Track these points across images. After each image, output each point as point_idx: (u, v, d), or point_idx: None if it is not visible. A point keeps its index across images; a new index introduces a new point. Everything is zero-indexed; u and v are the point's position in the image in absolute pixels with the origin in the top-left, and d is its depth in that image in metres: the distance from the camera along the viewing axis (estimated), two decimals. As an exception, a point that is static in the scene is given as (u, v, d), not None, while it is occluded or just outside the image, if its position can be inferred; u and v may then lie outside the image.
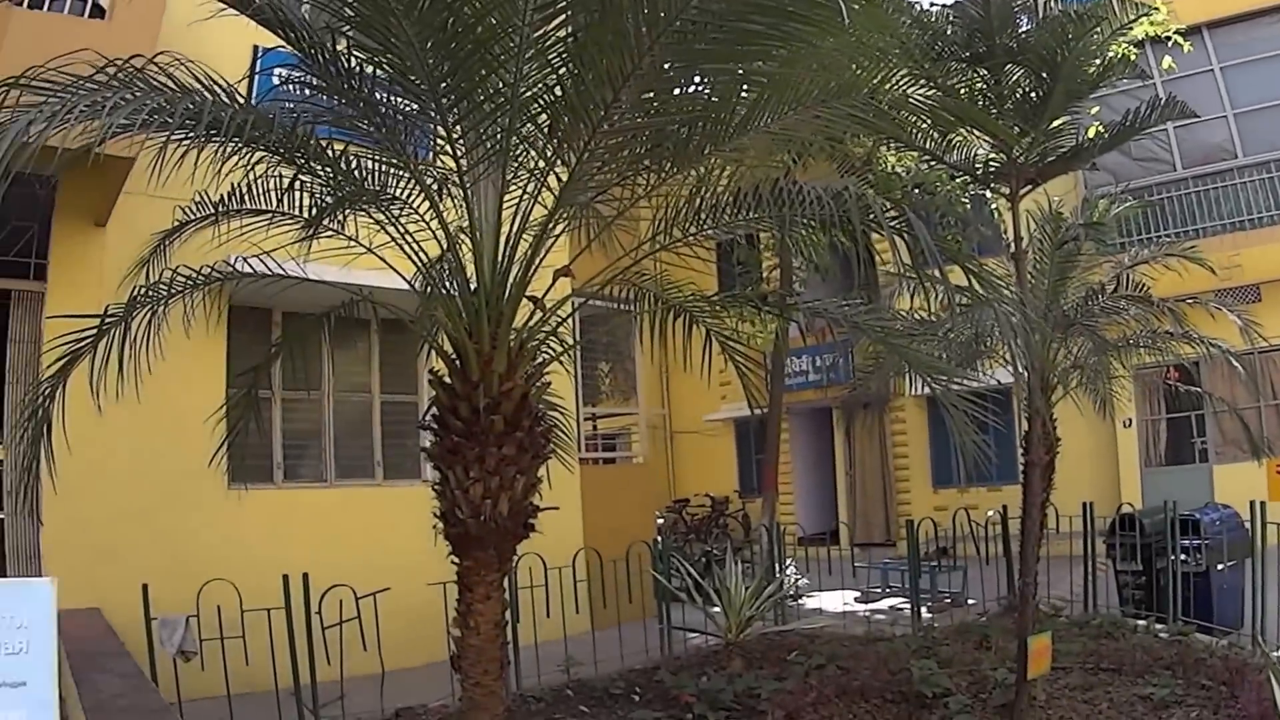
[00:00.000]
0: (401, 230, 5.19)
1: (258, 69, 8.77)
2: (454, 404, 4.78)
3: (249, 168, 5.26)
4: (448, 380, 4.89)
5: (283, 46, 5.18)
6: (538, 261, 4.97)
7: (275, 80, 8.15)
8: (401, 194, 5.26)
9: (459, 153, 4.76)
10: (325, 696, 7.30)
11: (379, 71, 4.87)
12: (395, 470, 10.27)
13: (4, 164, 3.23)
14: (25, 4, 7.58)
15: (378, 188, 5.22)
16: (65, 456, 5.50)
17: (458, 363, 4.89)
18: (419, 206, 5.28)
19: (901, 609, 11.23)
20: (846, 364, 16.37)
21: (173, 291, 5.60)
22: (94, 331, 5.33)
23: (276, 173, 5.53)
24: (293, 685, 7.06)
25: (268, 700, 7.19)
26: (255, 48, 8.87)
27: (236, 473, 9.01)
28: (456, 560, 4.96)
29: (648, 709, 7.44)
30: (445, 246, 5.06)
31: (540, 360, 5.25)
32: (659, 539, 10.51)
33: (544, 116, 4.85)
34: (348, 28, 4.69)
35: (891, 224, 4.84)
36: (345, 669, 7.15)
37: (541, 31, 4.37)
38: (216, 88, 4.45)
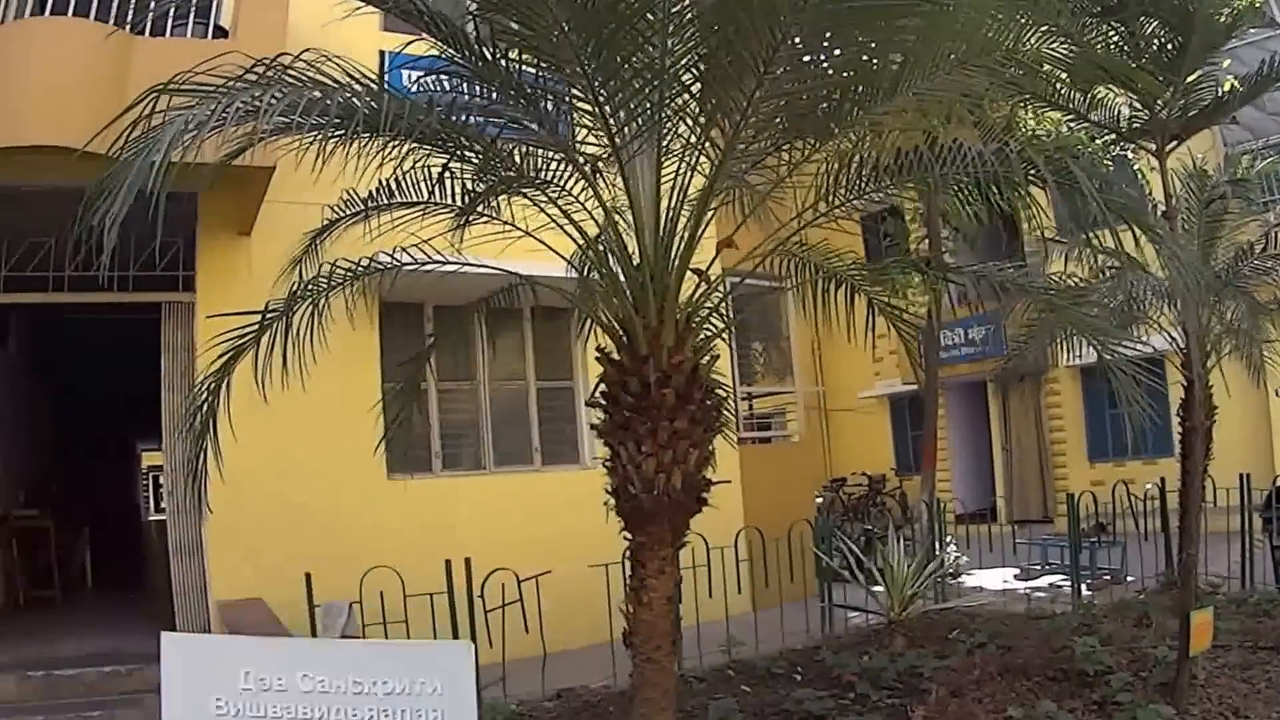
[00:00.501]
0: (559, 209, 5.17)
1: (386, 71, 8.86)
2: (623, 379, 4.75)
3: (398, 161, 5.30)
4: (616, 357, 4.87)
5: (412, 49, 5.19)
6: (699, 234, 4.91)
7: (405, 82, 8.27)
8: (554, 177, 5.25)
9: (613, 129, 4.73)
10: (486, 679, 7.30)
11: (525, 55, 4.88)
12: (553, 456, 10.36)
13: (159, 168, 3.27)
14: (147, 32, 7.73)
15: (531, 172, 5.21)
16: (227, 451, 5.63)
17: (624, 339, 4.86)
18: (572, 188, 5.27)
19: (1061, 586, 10.97)
20: (999, 336, 16.01)
21: (332, 283, 5.68)
22: (256, 328, 5.43)
23: (425, 166, 5.55)
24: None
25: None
26: (381, 53, 8.99)
27: (395, 463, 9.26)
28: (629, 536, 4.94)
29: (810, 688, 7.34)
30: (603, 224, 5.05)
31: (706, 335, 5.19)
32: (819, 517, 10.40)
33: (696, 87, 4.79)
34: (492, 13, 4.68)
35: (1056, 179, 4.65)
36: (507, 652, 7.20)
37: (688, 1, 4.30)
38: (363, 82, 4.48)
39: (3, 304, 9.06)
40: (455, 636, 7.06)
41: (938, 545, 10.02)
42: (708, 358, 5.05)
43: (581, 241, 5.23)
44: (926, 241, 11.36)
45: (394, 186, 5.76)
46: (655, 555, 4.82)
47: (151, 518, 31.96)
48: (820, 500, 13.10)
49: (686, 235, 4.92)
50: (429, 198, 5.72)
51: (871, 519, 16.26)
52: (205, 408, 5.52)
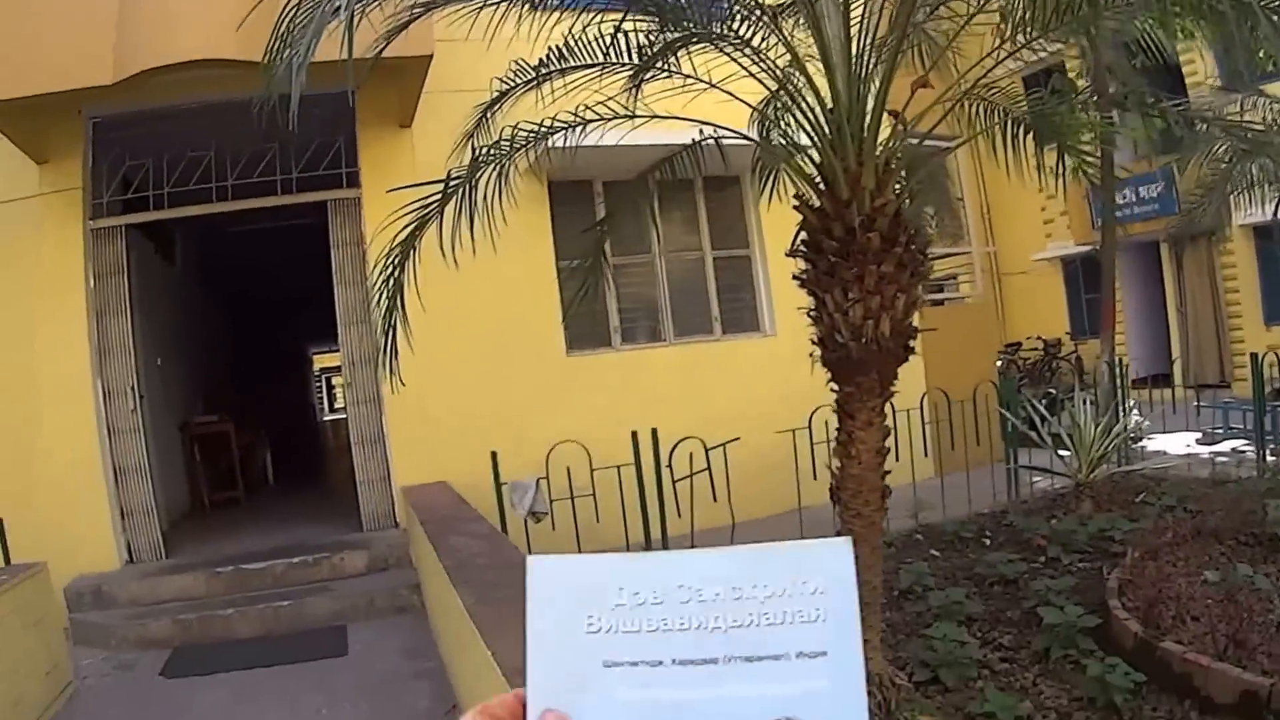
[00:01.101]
0: (745, 57, 4.97)
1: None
2: (826, 225, 4.58)
3: (570, 25, 5.17)
4: (816, 203, 4.70)
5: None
6: (892, 73, 4.69)
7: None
8: (736, 28, 5.03)
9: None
10: (675, 549, 7.38)
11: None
12: (733, 324, 10.24)
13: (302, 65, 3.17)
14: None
15: (711, 24, 5.01)
16: (401, 341, 5.71)
17: (823, 185, 4.68)
18: (754, 39, 5.04)
19: (1244, 451, 10.45)
20: (1171, 193, 15.22)
21: (515, 146, 5.59)
22: (439, 197, 5.39)
23: (596, 28, 5.40)
24: (643, 539, 7.17)
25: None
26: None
27: (574, 340, 9.35)
28: (835, 388, 4.81)
29: (1000, 552, 7.24)
30: (791, 70, 4.84)
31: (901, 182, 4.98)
32: (1003, 378, 10.13)
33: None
34: None
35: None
36: (694, 522, 7.21)
37: None
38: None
39: (169, 220, 9.22)
40: (643, 508, 7.10)
41: (1120, 408, 9.66)
42: (910, 200, 4.83)
43: (773, 86, 5.03)
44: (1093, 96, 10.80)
45: (565, 51, 5.61)
46: (864, 406, 4.69)
47: (325, 418, 33.09)
48: (997, 365, 12.72)
49: (880, 76, 4.69)
50: (604, 57, 5.55)
51: (1048, 383, 15.74)
52: (392, 280, 5.55)
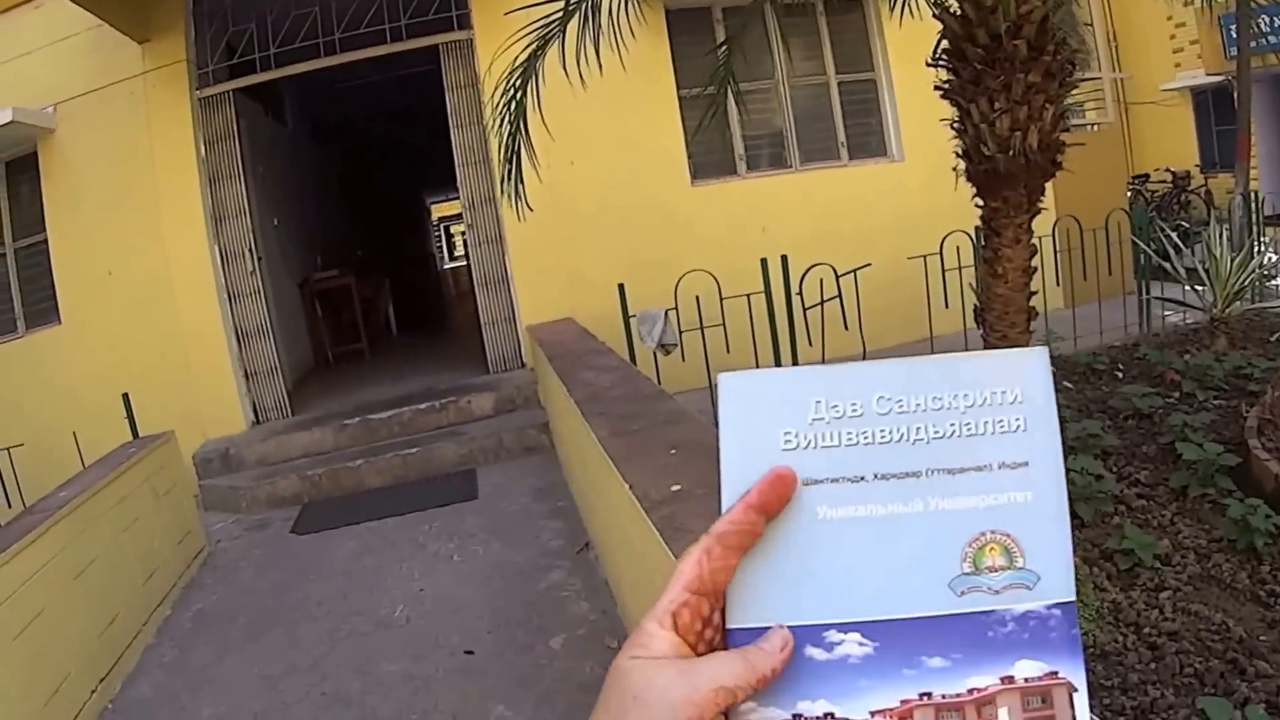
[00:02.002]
0: None
1: None
2: (970, 32, 4.32)
3: None
4: (958, 10, 4.41)
5: None
6: None
7: None
8: None
9: None
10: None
11: None
12: (860, 149, 9.94)
13: None
14: None
15: None
16: (528, 172, 5.62)
17: (966, -10, 4.38)
18: None
19: None
20: None
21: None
22: (560, 15, 5.26)
23: None
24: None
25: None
26: None
27: (699, 169, 9.19)
28: (981, 204, 4.60)
29: (1134, 384, 7.02)
30: None
31: None
32: (1136, 206, 9.70)
33: None
34: None
35: None
36: (825, 350, 7.11)
37: None
38: None
39: (278, 81, 9.23)
40: (774, 336, 7.03)
41: (1256, 242, 9.19)
42: (1056, 5, 4.52)
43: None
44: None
45: None
46: (1011, 223, 4.49)
47: (445, 267, 33.43)
48: (1127, 195, 12.15)
49: None
50: None
51: (1178, 216, 15.08)
52: (514, 104, 5.45)
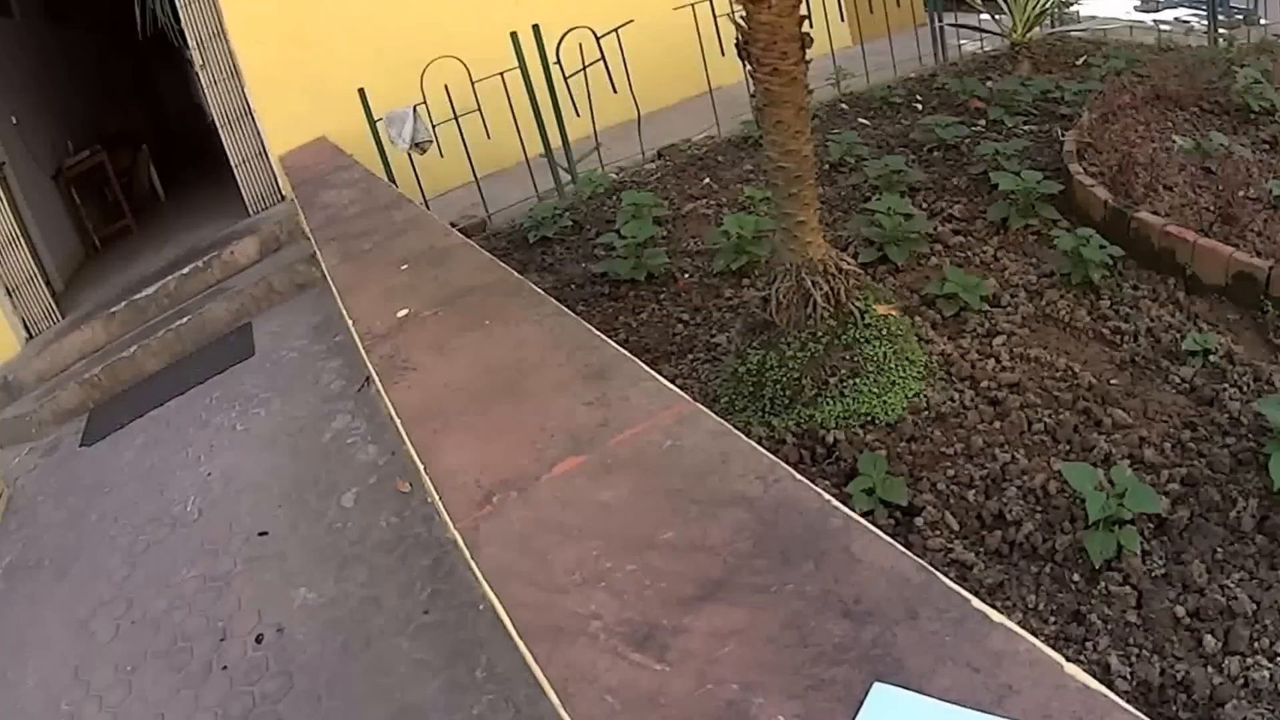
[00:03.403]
0: None
1: None
2: None
3: None
4: None
5: None
6: None
7: None
8: None
9: None
10: (579, 150, 6.71)
11: None
12: None
13: None
14: None
15: None
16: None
17: None
18: None
19: (1189, 21, 9.67)
20: None
21: None
22: None
23: None
24: (543, 149, 6.46)
25: (519, 174, 6.69)
26: None
27: None
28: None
29: (936, 115, 6.58)
30: None
31: None
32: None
33: None
34: None
35: None
36: (596, 121, 6.45)
37: None
38: None
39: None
40: (536, 112, 6.33)
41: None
42: None
43: None
44: None
45: None
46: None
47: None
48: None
49: None
50: None
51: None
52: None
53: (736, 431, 2.00)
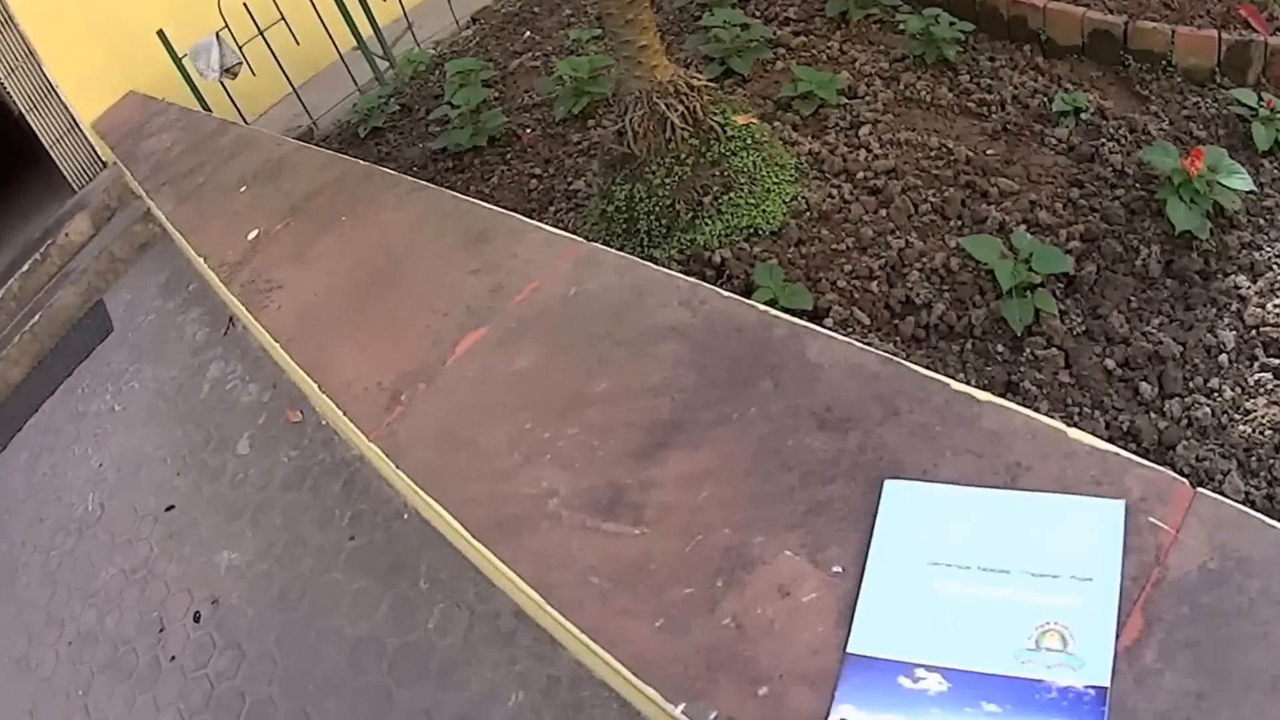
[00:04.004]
0: None
1: None
2: None
3: None
4: None
5: None
6: None
7: None
8: None
9: None
10: (391, 35, 6.31)
11: None
12: None
13: None
14: None
15: None
16: None
17: None
18: None
19: None
20: None
21: None
22: None
23: None
24: (355, 43, 6.05)
25: (336, 73, 6.29)
26: None
27: None
28: None
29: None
30: None
31: None
32: None
33: None
34: None
35: None
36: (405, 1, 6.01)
37: None
38: None
39: None
40: (339, 5, 5.86)
41: None
42: None
43: None
44: None
45: None
46: None
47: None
48: None
49: None
50: None
51: None
52: None
53: (644, 262, 1.78)
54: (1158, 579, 1.08)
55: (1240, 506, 1.11)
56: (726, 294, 1.62)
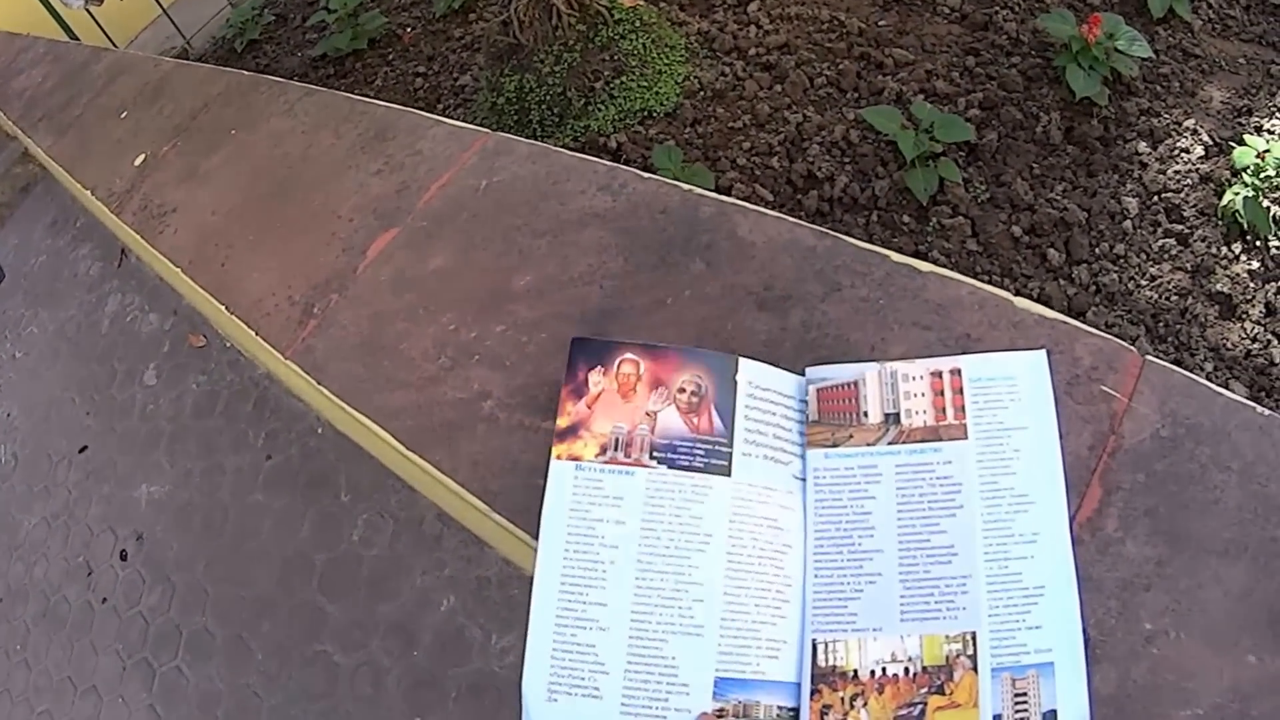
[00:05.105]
0: None
1: None
2: None
3: None
4: None
5: None
6: None
7: None
8: None
9: None
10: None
11: None
12: None
13: None
14: None
15: None
16: None
17: None
18: None
19: None
20: None
21: None
22: None
23: None
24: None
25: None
26: None
27: None
28: None
29: None
30: None
31: None
32: None
33: None
34: None
35: None
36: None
37: None
38: None
39: None
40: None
41: None
42: None
43: None
44: None
45: None
46: None
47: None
48: None
49: None
50: None
51: None
52: None
53: (558, 148, 1.64)
54: (1113, 448, 1.03)
55: (1187, 373, 1.05)
56: (647, 175, 1.50)
